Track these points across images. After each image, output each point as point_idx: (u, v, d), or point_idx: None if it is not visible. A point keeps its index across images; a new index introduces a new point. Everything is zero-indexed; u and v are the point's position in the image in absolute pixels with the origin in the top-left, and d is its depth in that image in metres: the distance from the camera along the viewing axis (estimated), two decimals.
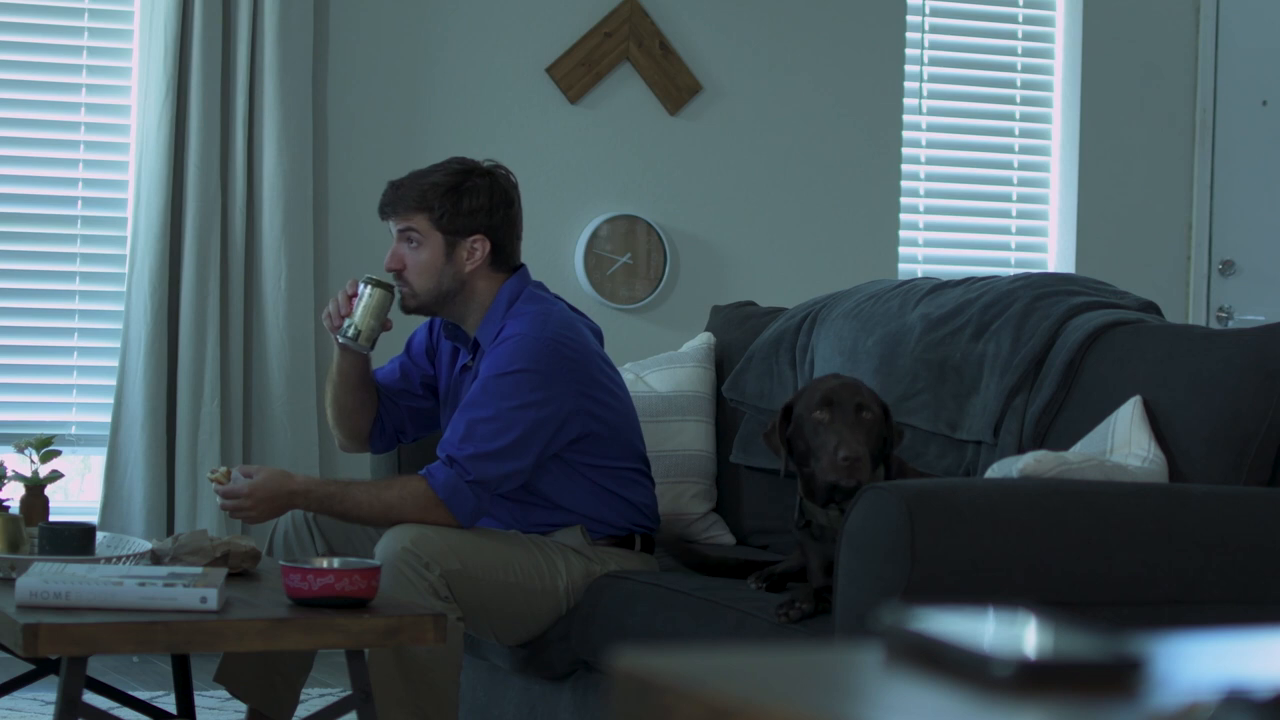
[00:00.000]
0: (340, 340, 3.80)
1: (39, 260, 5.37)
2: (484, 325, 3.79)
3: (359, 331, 3.77)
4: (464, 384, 3.85)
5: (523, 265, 3.88)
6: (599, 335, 3.94)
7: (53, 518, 3.65)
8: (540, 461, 3.72)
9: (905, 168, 6.17)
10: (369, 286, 3.76)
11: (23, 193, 5.37)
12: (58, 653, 2.93)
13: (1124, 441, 3.28)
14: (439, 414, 4.01)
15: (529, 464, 3.69)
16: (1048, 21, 6.35)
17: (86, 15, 5.42)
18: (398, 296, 3.80)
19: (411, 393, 3.99)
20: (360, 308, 3.77)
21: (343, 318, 3.79)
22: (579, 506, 3.81)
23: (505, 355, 3.69)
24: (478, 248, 3.78)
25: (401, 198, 3.81)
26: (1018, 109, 6.34)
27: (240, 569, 3.40)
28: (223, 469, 3.67)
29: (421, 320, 4.01)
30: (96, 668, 4.93)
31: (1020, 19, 6.34)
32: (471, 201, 3.79)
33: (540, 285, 3.88)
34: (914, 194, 6.21)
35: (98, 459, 5.39)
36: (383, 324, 3.80)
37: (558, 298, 3.91)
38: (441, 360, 3.97)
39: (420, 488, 3.64)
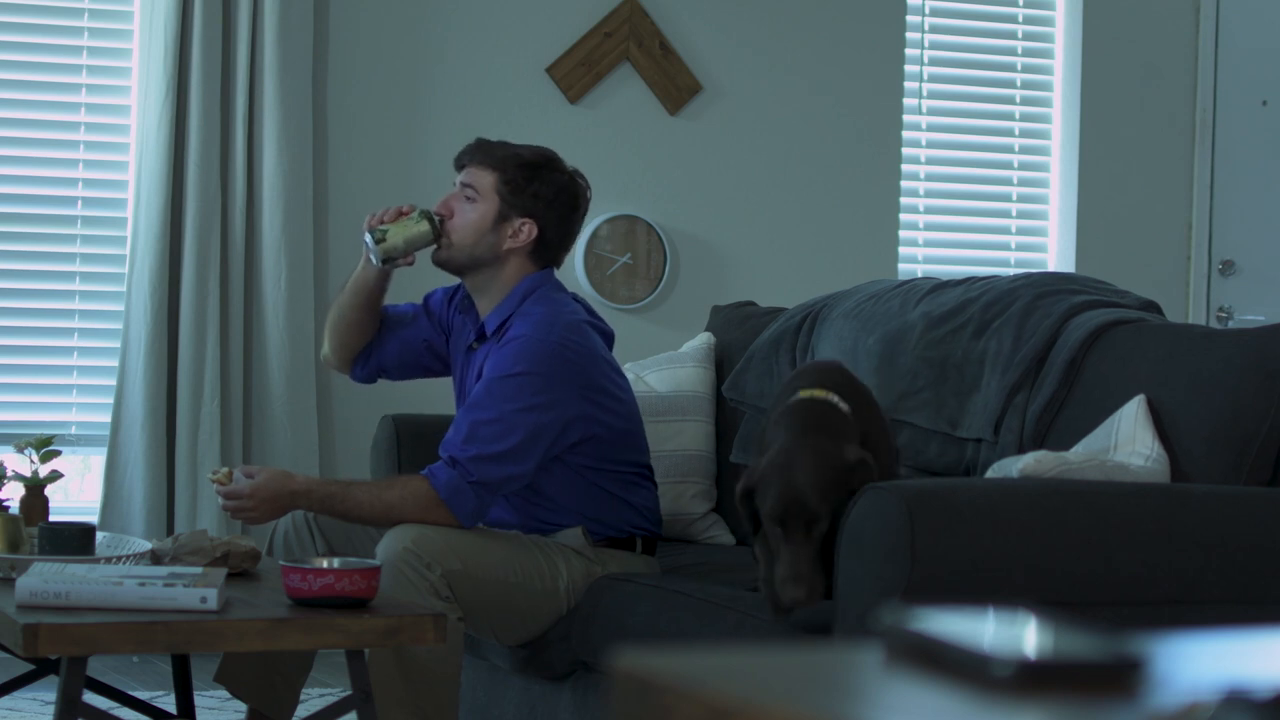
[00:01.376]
0: (365, 239, 3.83)
1: (39, 260, 5.37)
2: (495, 310, 3.80)
3: (383, 239, 3.79)
4: (469, 365, 3.85)
5: (551, 268, 3.89)
6: (610, 338, 3.94)
7: (53, 518, 3.65)
8: (542, 464, 3.72)
9: (905, 168, 6.17)
10: (420, 215, 3.79)
11: (23, 193, 5.37)
12: (58, 653, 2.93)
13: (1128, 439, 3.28)
14: (426, 370, 4.06)
15: (531, 467, 3.69)
16: (1048, 21, 6.35)
17: (86, 15, 5.42)
18: (436, 246, 3.82)
19: (410, 339, 4.01)
20: (399, 224, 3.80)
21: (380, 223, 3.82)
22: (580, 508, 3.81)
23: (509, 357, 3.69)
24: (524, 230, 3.79)
25: (482, 151, 3.84)
26: (1018, 109, 6.34)
27: (240, 569, 3.39)
28: (224, 470, 3.67)
29: (443, 281, 4.02)
30: (96, 668, 4.92)
31: (1020, 19, 6.34)
32: (540, 187, 3.80)
33: (559, 287, 3.88)
34: (914, 194, 6.21)
35: (98, 459, 5.39)
36: (406, 254, 3.82)
37: (576, 298, 3.91)
38: (454, 334, 3.98)
39: (422, 488, 3.64)
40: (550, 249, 3.84)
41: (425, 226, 3.79)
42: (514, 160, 3.82)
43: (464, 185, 3.83)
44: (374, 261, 3.84)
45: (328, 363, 4.14)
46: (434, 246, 3.82)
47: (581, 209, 3.88)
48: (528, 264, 3.83)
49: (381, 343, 4.02)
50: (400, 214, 3.82)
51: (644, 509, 3.87)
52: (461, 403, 3.88)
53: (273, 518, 3.71)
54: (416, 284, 4.29)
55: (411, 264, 3.87)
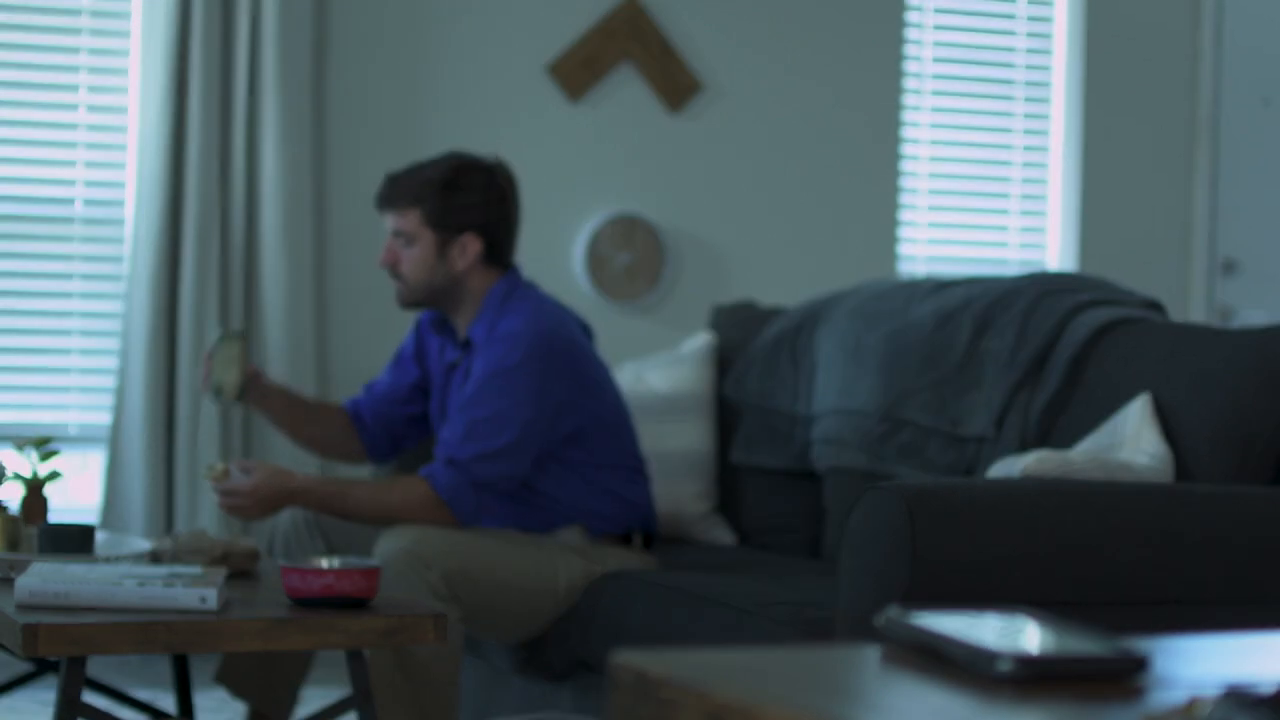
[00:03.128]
0: (213, 402, 3.85)
1: (38, 260, 5.37)
2: (476, 323, 3.80)
3: (220, 387, 3.81)
4: (452, 382, 3.85)
5: (514, 265, 3.89)
6: (588, 332, 3.95)
7: (52, 518, 3.65)
8: (539, 459, 3.73)
9: (905, 166, 6.17)
10: (217, 342, 3.81)
11: (22, 193, 5.37)
12: (57, 653, 2.92)
13: (1133, 437, 3.28)
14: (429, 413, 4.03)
15: (527, 463, 3.70)
16: (1048, 20, 6.35)
17: (86, 15, 5.42)
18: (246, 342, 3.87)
19: (406, 401, 4.01)
20: (219, 367, 3.81)
21: (208, 378, 3.83)
22: (578, 505, 3.81)
23: (499, 352, 3.70)
24: (469, 245, 3.79)
25: (395, 192, 3.82)
26: (1018, 108, 6.34)
27: (240, 569, 3.39)
28: (220, 465, 3.67)
29: (405, 332, 4.03)
30: (96, 668, 4.93)
31: (1021, 18, 6.33)
32: (464, 198, 3.79)
33: (531, 284, 3.88)
34: (915, 193, 6.21)
35: (97, 459, 5.38)
36: (243, 371, 3.84)
37: (548, 296, 3.92)
38: (430, 358, 3.98)
39: (422, 489, 3.64)
40: (500, 249, 3.84)
41: (228, 343, 3.82)
42: (427, 187, 3.80)
43: (394, 234, 3.83)
44: (230, 406, 3.87)
45: (347, 463, 4.18)
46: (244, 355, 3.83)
47: (512, 196, 3.86)
48: (487, 271, 3.83)
49: (384, 421, 4.03)
50: (207, 359, 3.84)
51: (640, 504, 3.88)
52: (440, 420, 3.89)
53: (269, 515, 3.71)
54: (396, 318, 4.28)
55: (254, 373, 3.88)
